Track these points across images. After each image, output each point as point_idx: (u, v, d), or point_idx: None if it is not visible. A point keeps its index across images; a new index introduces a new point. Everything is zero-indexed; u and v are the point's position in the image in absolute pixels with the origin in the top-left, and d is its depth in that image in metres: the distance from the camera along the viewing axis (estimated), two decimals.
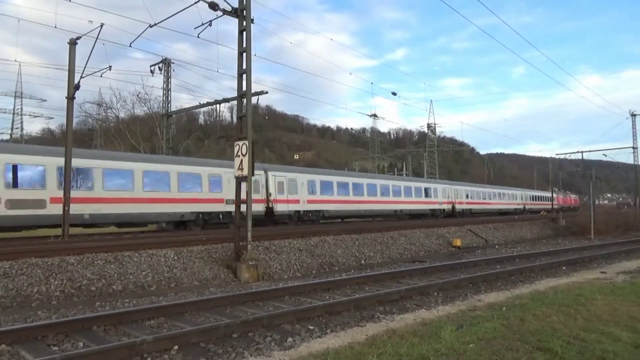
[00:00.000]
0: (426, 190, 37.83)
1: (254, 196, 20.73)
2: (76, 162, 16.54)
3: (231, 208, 18.10)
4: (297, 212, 25.62)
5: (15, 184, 15.78)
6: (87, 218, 17.39)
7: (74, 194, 16.07)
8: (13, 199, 15.55)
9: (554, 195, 65.24)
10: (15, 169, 15.83)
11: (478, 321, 6.32)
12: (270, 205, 23.92)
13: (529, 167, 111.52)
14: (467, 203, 43.50)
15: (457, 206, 41.21)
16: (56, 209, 15.93)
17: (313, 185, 26.77)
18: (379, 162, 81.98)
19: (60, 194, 15.97)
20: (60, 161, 16.17)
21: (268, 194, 23.94)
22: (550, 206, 59.86)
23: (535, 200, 61.39)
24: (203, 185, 21.22)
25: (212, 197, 21.46)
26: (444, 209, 39.18)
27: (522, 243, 26.11)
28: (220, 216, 21.83)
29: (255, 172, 22.10)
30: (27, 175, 16.21)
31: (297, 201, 25.49)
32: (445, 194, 40.25)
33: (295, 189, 25.51)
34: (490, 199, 49.02)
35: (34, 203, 16.06)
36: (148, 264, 12.21)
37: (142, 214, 18.94)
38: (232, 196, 19.30)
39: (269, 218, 23.94)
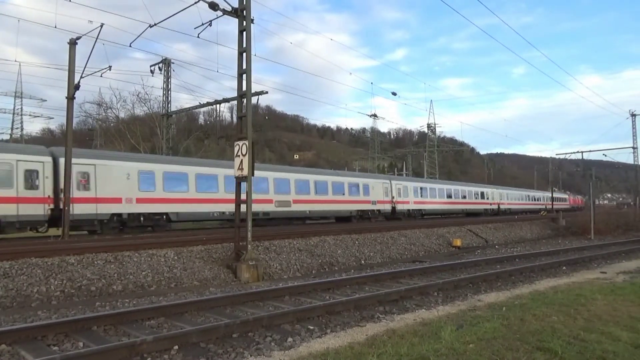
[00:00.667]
0: (482, 193, 46.64)
1: (385, 198, 32.10)
2: (300, 176, 26.45)
3: (375, 207, 30.94)
4: (408, 210, 34.55)
5: (275, 191, 24.30)
6: (307, 213, 26.54)
7: (302, 197, 25.77)
8: (277, 200, 24.28)
9: (567, 196, 76.04)
10: (275, 181, 24.49)
11: (478, 321, 6.32)
12: (394, 205, 32.72)
13: (529, 167, 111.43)
14: (508, 204, 51.37)
15: (501, 206, 49.08)
16: (295, 207, 25.35)
17: (417, 190, 36.07)
18: (379, 162, 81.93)
19: (297, 197, 25.42)
20: (293, 175, 25.98)
21: (392, 197, 32.67)
22: (566, 205, 69.24)
23: (554, 201, 69.48)
24: (360, 191, 30.01)
25: (365, 199, 30.33)
26: (493, 209, 47.01)
27: (522, 243, 26.10)
28: (369, 213, 30.71)
29: (383, 180, 33.70)
30: (281, 185, 24.89)
31: (408, 202, 34.56)
32: (494, 196, 48.22)
33: (407, 193, 34.57)
34: (524, 200, 58.02)
35: (285, 203, 24.77)
36: (148, 264, 12.20)
37: (330, 210, 28.02)
38: (377, 198, 31.30)
39: (393, 214, 32.77)
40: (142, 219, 18.98)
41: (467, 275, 11.73)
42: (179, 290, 11.18)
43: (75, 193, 16.92)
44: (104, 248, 12.52)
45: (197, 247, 14.08)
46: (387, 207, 32.22)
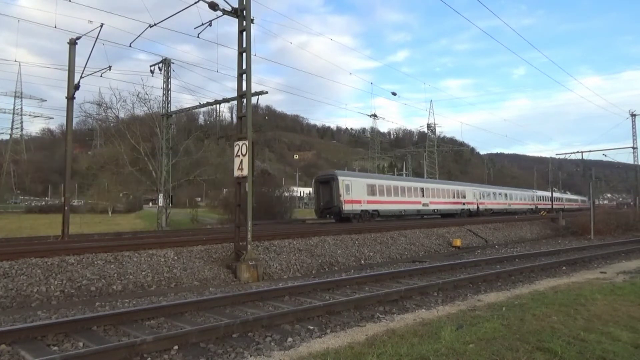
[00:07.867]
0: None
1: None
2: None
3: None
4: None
5: None
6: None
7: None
8: None
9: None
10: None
11: (478, 321, 6.32)
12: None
13: (529, 167, 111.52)
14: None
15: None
16: None
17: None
18: (379, 162, 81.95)
19: None
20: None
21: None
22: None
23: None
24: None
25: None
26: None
27: (522, 243, 26.10)
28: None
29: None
30: None
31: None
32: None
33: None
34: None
35: None
36: (148, 264, 12.20)
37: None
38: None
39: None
40: None
41: (467, 275, 11.72)
42: (178, 290, 11.17)
43: None
44: (103, 248, 12.52)
45: (197, 247, 14.08)
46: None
